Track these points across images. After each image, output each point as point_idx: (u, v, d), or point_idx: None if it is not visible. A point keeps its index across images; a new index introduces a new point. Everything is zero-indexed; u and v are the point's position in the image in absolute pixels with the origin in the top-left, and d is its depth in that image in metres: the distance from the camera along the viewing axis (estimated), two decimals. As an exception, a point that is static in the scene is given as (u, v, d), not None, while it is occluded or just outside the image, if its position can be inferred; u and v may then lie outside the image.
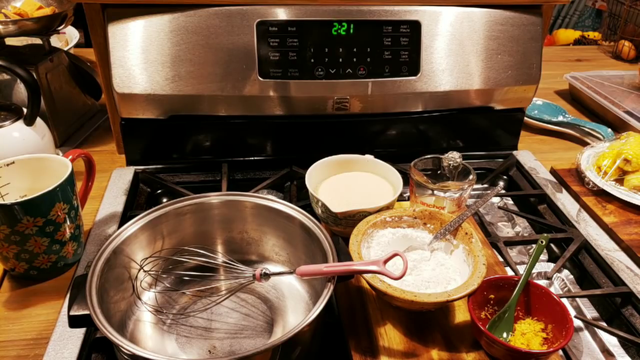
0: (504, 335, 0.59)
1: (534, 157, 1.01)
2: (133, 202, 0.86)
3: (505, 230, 0.90)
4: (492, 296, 0.61)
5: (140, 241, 0.62)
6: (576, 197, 0.89)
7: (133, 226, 0.62)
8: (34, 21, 0.91)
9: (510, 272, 0.73)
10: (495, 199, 0.95)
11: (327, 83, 0.86)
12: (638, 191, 0.87)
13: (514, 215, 0.90)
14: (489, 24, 0.89)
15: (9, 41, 1.00)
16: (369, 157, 0.81)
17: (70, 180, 0.67)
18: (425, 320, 0.61)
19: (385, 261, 0.55)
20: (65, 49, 1.16)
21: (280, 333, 0.61)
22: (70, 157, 0.70)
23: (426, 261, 0.66)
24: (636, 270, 0.74)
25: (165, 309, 0.63)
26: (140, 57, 0.81)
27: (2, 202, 0.61)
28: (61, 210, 0.66)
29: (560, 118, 1.14)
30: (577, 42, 2.31)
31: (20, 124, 0.82)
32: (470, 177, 0.76)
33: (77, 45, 1.32)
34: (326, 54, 0.85)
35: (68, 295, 0.63)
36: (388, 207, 0.71)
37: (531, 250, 0.83)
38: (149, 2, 0.79)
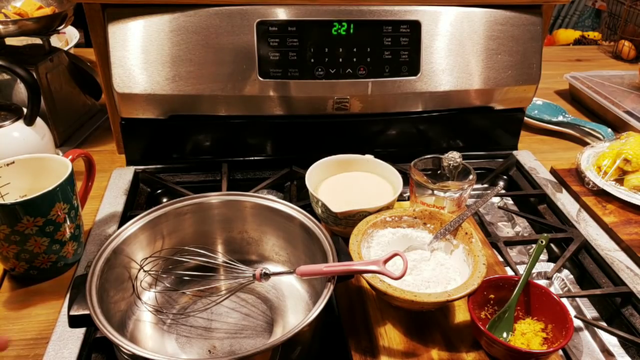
0: (504, 335, 0.59)
1: (534, 157, 1.01)
2: (133, 202, 0.86)
3: (505, 230, 0.90)
4: (492, 296, 0.61)
5: (140, 241, 0.62)
6: (576, 197, 0.89)
7: (133, 226, 0.62)
8: (34, 21, 0.91)
9: (510, 272, 0.73)
10: (495, 199, 0.95)
11: (327, 83, 0.86)
12: (638, 191, 0.87)
13: (514, 215, 0.90)
14: (489, 24, 0.89)
15: (9, 41, 0.99)
16: (369, 157, 0.81)
17: (70, 180, 0.67)
18: (425, 320, 0.61)
19: (385, 261, 0.55)
20: (65, 49, 1.16)
21: (280, 333, 0.61)
22: (70, 157, 0.70)
23: (426, 261, 0.66)
24: (636, 270, 0.74)
25: (165, 309, 0.63)
26: (140, 57, 0.81)
27: (2, 202, 0.61)
28: (61, 210, 0.66)
29: (560, 118, 1.14)
30: (577, 42, 2.31)
31: (20, 124, 0.82)
32: (470, 177, 0.76)
33: (77, 45, 1.32)
34: (326, 54, 0.85)
35: (68, 295, 0.63)
36: (388, 207, 0.71)
37: (531, 250, 0.82)
38: (149, 2, 0.79)
